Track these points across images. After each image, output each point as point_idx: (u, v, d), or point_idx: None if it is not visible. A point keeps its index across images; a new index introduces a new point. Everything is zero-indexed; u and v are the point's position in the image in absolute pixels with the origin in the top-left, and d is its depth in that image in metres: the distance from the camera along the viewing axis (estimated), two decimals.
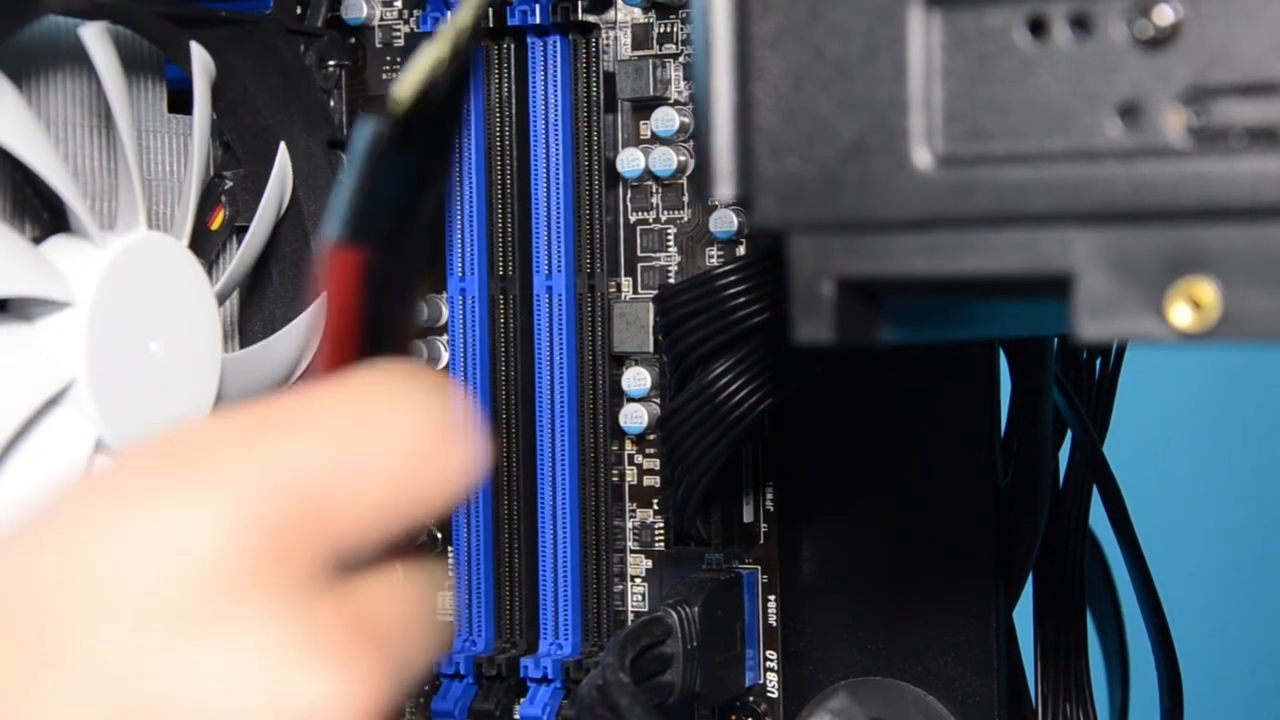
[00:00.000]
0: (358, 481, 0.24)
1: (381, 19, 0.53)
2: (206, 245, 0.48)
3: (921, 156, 0.30)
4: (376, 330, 0.27)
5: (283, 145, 0.48)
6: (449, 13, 0.51)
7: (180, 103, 0.47)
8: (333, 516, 0.23)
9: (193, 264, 0.44)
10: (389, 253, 0.26)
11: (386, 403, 0.25)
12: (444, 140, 0.28)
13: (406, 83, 0.25)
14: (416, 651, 0.25)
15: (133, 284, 0.41)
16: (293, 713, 0.22)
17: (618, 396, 0.51)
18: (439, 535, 0.52)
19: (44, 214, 0.41)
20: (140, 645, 0.22)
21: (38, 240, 0.41)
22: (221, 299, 0.46)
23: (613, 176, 0.50)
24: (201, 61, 0.45)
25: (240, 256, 0.47)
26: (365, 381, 0.25)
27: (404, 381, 0.25)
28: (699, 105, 0.32)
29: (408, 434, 0.25)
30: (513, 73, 0.51)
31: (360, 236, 0.26)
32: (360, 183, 0.25)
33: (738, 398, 0.45)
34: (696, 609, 0.47)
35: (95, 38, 0.40)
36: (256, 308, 0.51)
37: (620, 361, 0.51)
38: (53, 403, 0.39)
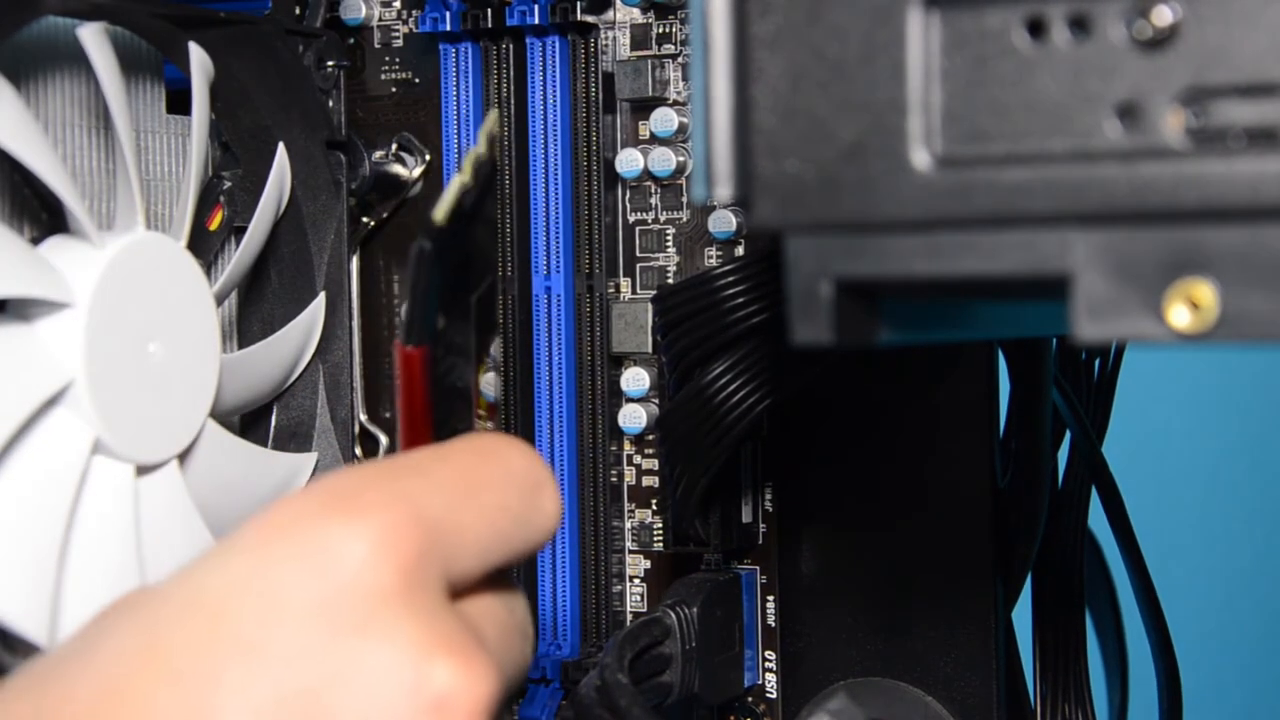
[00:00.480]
0: (476, 517, 0.30)
1: (380, 19, 0.53)
2: (205, 246, 0.48)
3: (920, 157, 0.30)
4: (445, 410, 0.32)
5: (281, 146, 0.48)
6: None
7: (179, 103, 0.47)
8: (455, 542, 0.29)
9: (191, 264, 0.44)
10: (446, 346, 0.33)
11: (491, 456, 0.31)
12: (481, 240, 0.34)
13: (441, 207, 0.31)
14: (515, 657, 0.31)
15: (131, 285, 0.41)
16: (431, 695, 0.27)
17: (616, 397, 0.51)
18: None
19: (42, 214, 0.41)
20: (311, 640, 0.27)
21: (36, 241, 0.41)
22: (220, 299, 0.46)
23: (611, 177, 0.50)
24: (200, 62, 0.44)
25: (239, 257, 0.47)
26: (469, 441, 0.31)
27: (500, 441, 0.31)
28: (697, 106, 0.32)
29: (512, 479, 0.30)
30: (511, 73, 0.51)
31: (421, 338, 0.31)
32: (414, 292, 0.31)
33: (736, 398, 0.44)
34: (695, 609, 0.47)
35: (93, 38, 0.40)
36: (255, 308, 0.51)
37: (619, 362, 0.51)
38: (51, 403, 0.39)
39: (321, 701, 0.27)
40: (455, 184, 0.32)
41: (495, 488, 0.30)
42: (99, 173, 0.44)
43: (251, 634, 0.27)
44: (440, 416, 0.32)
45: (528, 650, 0.32)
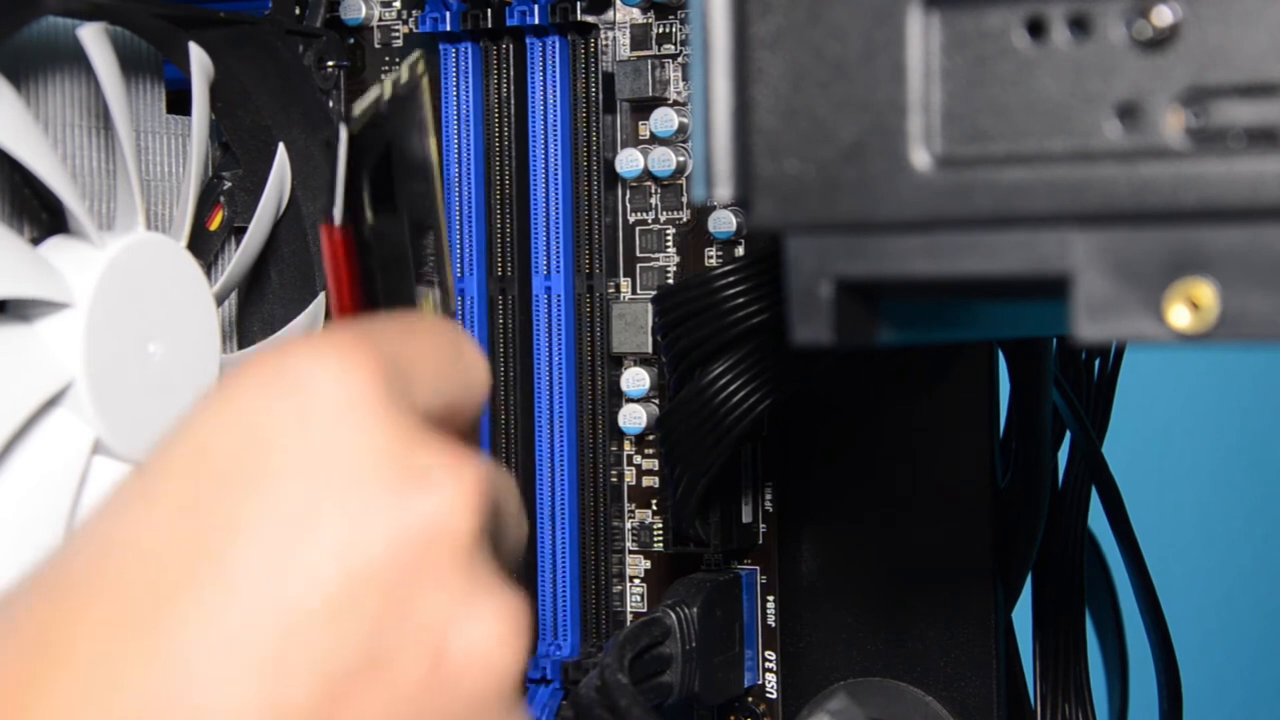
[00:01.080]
0: (421, 352, 0.31)
1: (380, 19, 0.53)
2: (205, 246, 0.48)
3: (920, 158, 0.30)
4: (372, 293, 0.34)
5: (281, 146, 0.48)
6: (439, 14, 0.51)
7: (178, 103, 0.47)
8: (410, 371, 0.30)
9: (191, 265, 0.44)
10: (374, 228, 0.34)
11: (416, 321, 0.33)
12: (417, 192, 0.35)
13: (359, 103, 0.34)
14: (508, 513, 0.32)
15: (131, 285, 0.41)
16: (417, 475, 0.28)
17: (616, 397, 0.51)
18: None
19: (42, 215, 0.41)
20: (299, 461, 0.28)
21: (36, 241, 0.41)
22: (220, 299, 0.46)
23: (611, 177, 0.50)
24: (200, 62, 0.44)
25: (239, 257, 0.47)
26: (400, 316, 0.33)
27: (422, 316, 0.34)
28: (697, 106, 0.32)
29: (440, 334, 0.32)
30: (512, 73, 0.51)
31: (344, 218, 0.33)
32: (335, 174, 0.33)
33: (736, 398, 0.44)
34: (695, 609, 0.47)
35: (93, 38, 0.40)
36: (255, 308, 0.51)
37: (619, 362, 0.51)
38: (51, 404, 0.39)
39: (317, 507, 0.28)
40: (373, 91, 0.34)
41: (430, 334, 0.32)
42: (99, 173, 0.44)
43: (242, 470, 0.28)
44: (368, 299, 0.34)
45: (521, 516, 0.33)
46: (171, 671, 0.26)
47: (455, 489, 0.28)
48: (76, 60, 0.42)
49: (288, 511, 0.28)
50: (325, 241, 0.33)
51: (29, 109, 0.39)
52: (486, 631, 0.29)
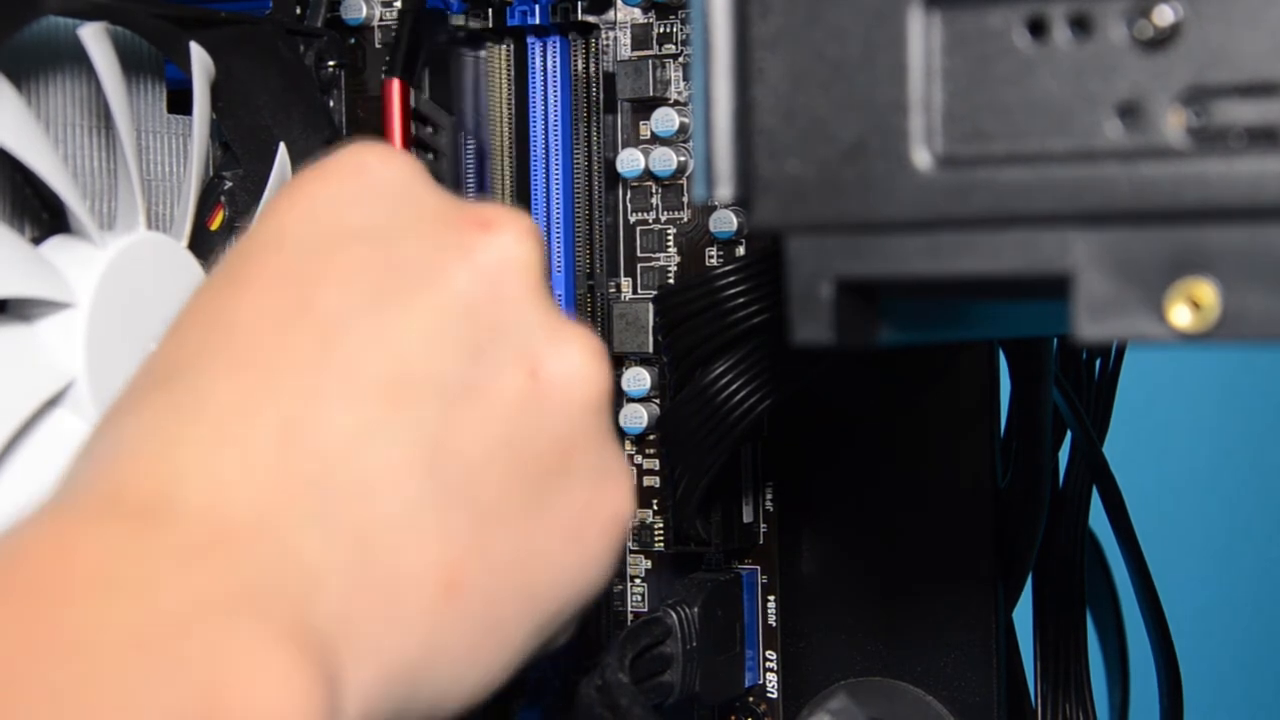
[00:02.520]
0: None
1: (381, 19, 0.53)
2: (206, 245, 0.47)
3: (921, 157, 0.30)
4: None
5: (282, 146, 0.48)
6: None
7: (179, 103, 0.47)
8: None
9: (193, 265, 0.44)
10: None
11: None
12: None
13: None
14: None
15: (132, 285, 0.41)
16: (473, 224, 0.31)
17: (617, 397, 0.51)
18: None
19: (43, 215, 0.41)
20: (378, 222, 0.31)
21: (37, 241, 0.41)
22: None
23: (612, 177, 0.50)
24: (201, 62, 0.44)
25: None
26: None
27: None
28: (698, 106, 0.32)
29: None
30: (512, 73, 0.51)
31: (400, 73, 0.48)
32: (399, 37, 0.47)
33: (737, 398, 0.45)
34: (696, 609, 0.47)
35: (94, 38, 0.40)
36: None
37: (620, 362, 0.51)
38: (52, 404, 0.39)
39: (400, 256, 0.30)
40: None
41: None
42: (100, 173, 0.44)
43: (324, 238, 0.30)
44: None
45: None
46: (299, 397, 0.28)
47: (517, 228, 0.31)
48: (77, 60, 0.42)
49: (373, 262, 0.30)
50: (386, 93, 0.47)
51: (30, 108, 0.39)
52: (575, 351, 0.31)
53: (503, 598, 0.30)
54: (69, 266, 0.40)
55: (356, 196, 0.31)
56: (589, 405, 0.31)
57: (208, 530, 0.26)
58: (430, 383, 0.29)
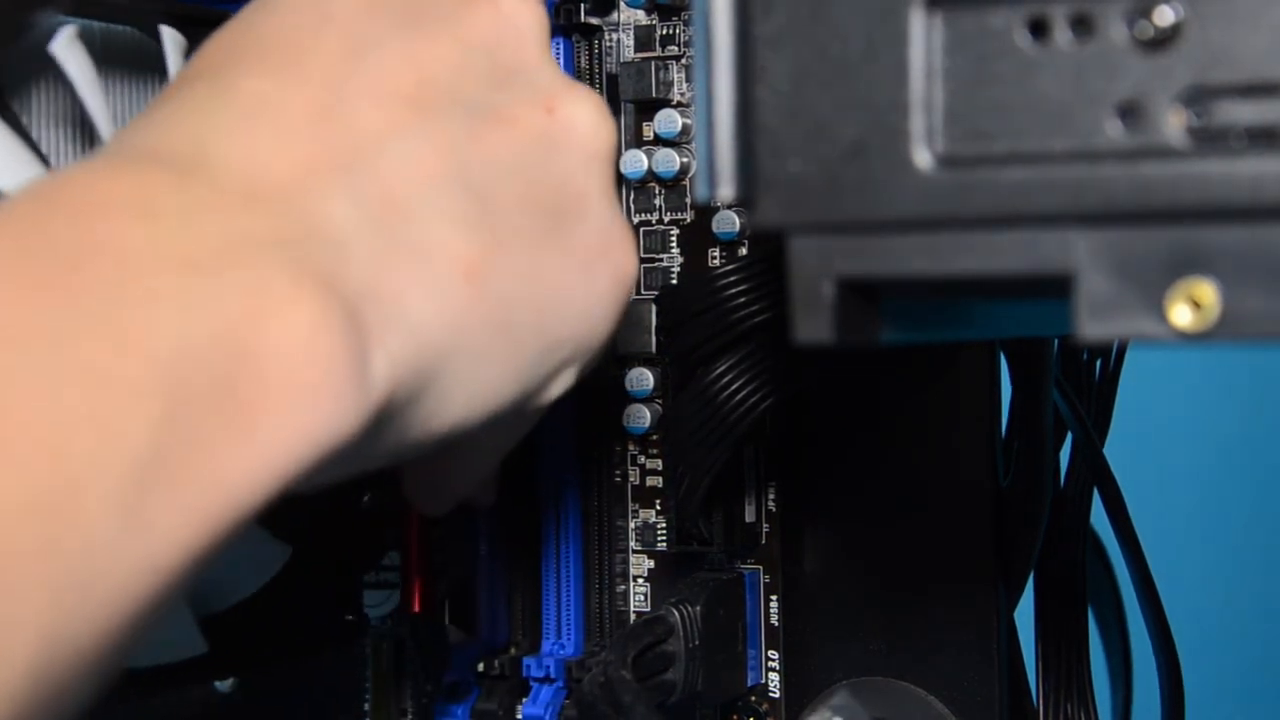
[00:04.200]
0: None
1: None
2: None
3: (922, 157, 0.30)
4: None
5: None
6: None
7: None
8: None
9: None
10: None
11: None
12: None
13: None
14: None
15: None
16: None
17: (622, 397, 0.51)
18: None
19: None
20: None
21: None
22: None
23: (615, 178, 0.50)
24: (174, 41, 0.44)
25: None
26: None
27: None
28: (700, 106, 0.32)
29: None
30: None
31: None
32: None
33: (739, 398, 0.45)
34: (698, 608, 0.47)
35: (173, 43, 0.41)
36: None
37: (623, 362, 0.51)
38: None
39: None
40: None
41: None
42: None
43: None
44: None
45: None
46: (330, 89, 0.29)
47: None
48: (97, 61, 0.42)
49: (390, 21, 0.31)
50: None
51: (103, 89, 0.40)
52: (587, 101, 0.33)
53: (515, 306, 0.31)
54: None
55: None
56: (600, 154, 0.33)
57: (243, 185, 0.27)
58: (455, 99, 0.31)
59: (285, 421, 0.26)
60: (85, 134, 0.43)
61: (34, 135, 0.41)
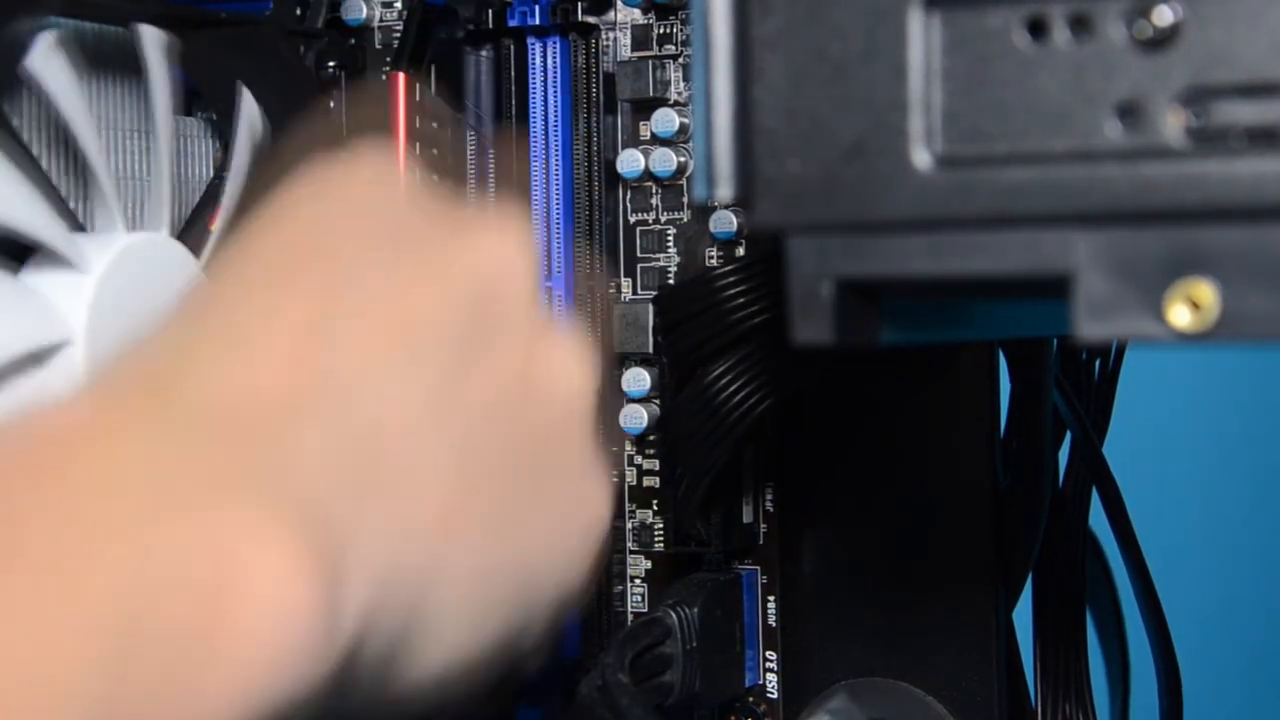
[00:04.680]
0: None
1: (381, 20, 0.53)
2: (207, 246, 0.48)
3: (921, 157, 0.30)
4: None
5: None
6: None
7: (184, 104, 0.47)
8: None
9: (195, 270, 0.44)
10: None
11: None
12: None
13: None
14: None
15: (144, 275, 0.41)
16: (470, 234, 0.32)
17: (618, 397, 0.51)
18: None
19: (64, 213, 0.42)
20: (371, 227, 0.31)
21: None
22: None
23: (612, 177, 0.50)
24: (154, 40, 0.44)
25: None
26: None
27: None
28: (698, 106, 0.32)
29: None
30: (512, 74, 0.51)
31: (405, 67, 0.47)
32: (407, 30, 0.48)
33: (737, 399, 0.45)
34: (696, 609, 0.47)
35: (152, 41, 0.41)
36: None
37: (620, 362, 0.51)
38: (41, 363, 0.39)
39: (408, 232, 0.31)
40: None
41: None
42: (124, 175, 0.44)
43: (326, 235, 0.31)
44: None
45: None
46: (312, 316, 0.29)
47: (519, 230, 0.32)
48: (92, 62, 0.42)
49: (388, 233, 0.31)
50: (390, 85, 0.48)
51: (83, 93, 0.40)
52: (567, 349, 0.33)
53: (492, 555, 0.31)
54: (89, 242, 0.40)
55: (372, 181, 0.32)
56: (578, 401, 0.33)
57: (217, 416, 0.27)
58: (438, 339, 0.30)
59: (246, 672, 0.25)
60: (142, 130, 0.44)
61: (24, 137, 0.41)
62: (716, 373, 0.45)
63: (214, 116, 0.46)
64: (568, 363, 0.33)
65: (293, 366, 0.28)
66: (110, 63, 0.44)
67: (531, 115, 0.51)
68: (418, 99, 0.49)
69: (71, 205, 0.42)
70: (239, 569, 0.25)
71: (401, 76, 0.49)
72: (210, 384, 0.27)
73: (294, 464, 0.27)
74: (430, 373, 0.30)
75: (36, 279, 0.39)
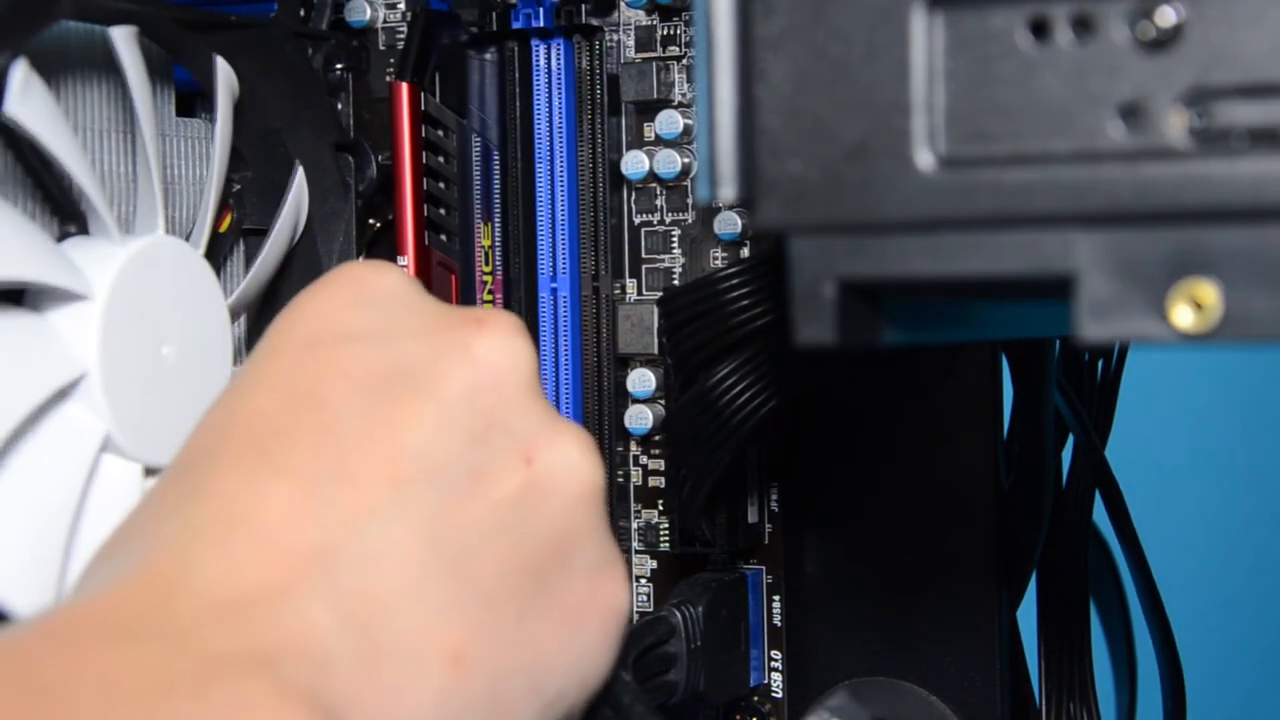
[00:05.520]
0: None
1: (385, 21, 0.53)
2: (215, 248, 0.48)
3: (924, 158, 0.30)
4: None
5: (300, 167, 0.48)
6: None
7: (185, 105, 0.47)
8: None
9: (208, 273, 0.44)
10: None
11: None
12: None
13: None
14: None
15: (148, 285, 0.41)
16: (468, 331, 0.33)
17: (623, 398, 0.51)
18: None
19: (58, 219, 0.42)
20: (379, 327, 0.33)
21: (58, 241, 0.41)
22: (235, 314, 0.46)
23: (617, 179, 0.51)
24: (225, 77, 0.45)
25: (255, 272, 0.47)
26: None
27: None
28: (701, 107, 0.32)
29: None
30: (517, 76, 0.51)
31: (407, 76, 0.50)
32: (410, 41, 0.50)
33: (741, 400, 0.45)
34: (701, 609, 0.47)
35: (124, 41, 0.40)
36: (265, 320, 0.51)
37: (625, 363, 0.51)
38: (62, 396, 0.39)
39: (394, 354, 0.31)
40: None
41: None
42: (114, 176, 0.44)
43: (329, 342, 0.32)
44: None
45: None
46: (301, 480, 0.29)
47: (510, 326, 0.33)
48: (91, 63, 0.42)
49: (373, 360, 0.31)
50: (394, 96, 0.49)
51: (59, 107, 0.40)
52: (570, 444, 0.32)
53: (506, 679, 0.30)
54: (87, 262, 0.40)
55: (354, 303, 0.32)
56: (583, 497, 0.32)
57: (220, 599, 0.27)
58: (430, 469, 0.30)
59: None
60: (125, 131, 0.44)
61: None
62: (721, 374, 0.45)
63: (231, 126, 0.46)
64: (574, 454, 0.32)
65: (288, 539, 0.28)
66: (116, 66, 0.44)
67: (536, 118, 0.51)
68: (423, 108, 0.49)
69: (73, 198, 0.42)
70: None
71: (405, 86, 0.49)
72: (211, 571, 0.28)
73: (301, 639, 0.27)
74: (428, 505, 0.30)
75: (42, 315, 0.39)
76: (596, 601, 0.33)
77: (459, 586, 0.30)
